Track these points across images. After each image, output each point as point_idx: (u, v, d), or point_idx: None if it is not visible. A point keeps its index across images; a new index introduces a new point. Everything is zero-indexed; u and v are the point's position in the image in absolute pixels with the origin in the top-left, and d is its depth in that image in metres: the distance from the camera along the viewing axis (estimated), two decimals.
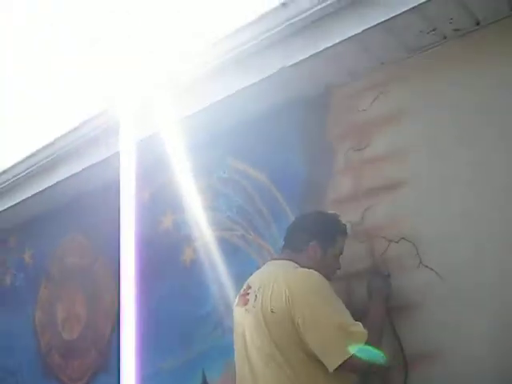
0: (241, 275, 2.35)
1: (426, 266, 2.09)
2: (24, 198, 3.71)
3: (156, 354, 3.09)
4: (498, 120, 2.03)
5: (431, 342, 2.05)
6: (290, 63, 2.34)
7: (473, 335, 1.95)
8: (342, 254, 2.13)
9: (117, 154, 3.04)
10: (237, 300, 2.12)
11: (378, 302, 2.03)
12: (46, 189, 3.51)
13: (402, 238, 2.17)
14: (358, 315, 1.85)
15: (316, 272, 1.89)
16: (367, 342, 1.76)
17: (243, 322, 1.99)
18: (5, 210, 3.98)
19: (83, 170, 3.26)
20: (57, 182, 3.43)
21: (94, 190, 3.58)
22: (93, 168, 3.21)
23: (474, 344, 1.94)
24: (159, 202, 3.24)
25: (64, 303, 3.86)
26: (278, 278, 1.89)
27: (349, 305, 1.88)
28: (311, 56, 2.28)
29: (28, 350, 4.06)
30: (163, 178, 3.18)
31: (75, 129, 3.11)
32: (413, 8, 1.96)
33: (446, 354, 2.01)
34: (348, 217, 2.27)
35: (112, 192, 3.45)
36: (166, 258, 3.12)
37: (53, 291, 3.98)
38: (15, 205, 3.82)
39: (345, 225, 2.15)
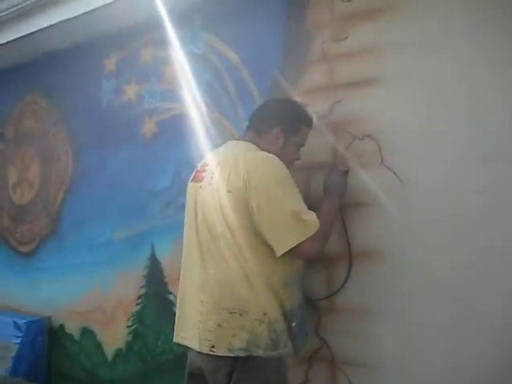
0: (200, 154, 2.32)
1: (387, 167, 2.10)
2: None
3: (108, 223, 3.11)
4: (476, 20, 1.96)
5: (380, 241, 2.10)
6: None
7: (424, 239, 2.00)
8: (303, 145, 2.10)
9: (90, 13, 2.84)
10: (192, 176, 2.09)
11: (332, 197, 2.03)
12: (13, 40, 3.28)
13: (367, 136, 2.15)
14: (314, 207, 1.85)
15: (277, 157, 1.86)
16: (317, 233, 1.77)
17: (196, 198, 1.97)
18: None
19: (52, 25, 3.03)
20: (24, 35, 3.20)
21: (62, 50, 3.39)
22: (63, 24, 3.00)
23: (424, 248, 2.00)
24: (125, 70, 3.10)
25: (17, 166, 3.78)
26: (237, 159, 1.85)
27: (306, 196, 1.87)
28: None
29: None
30: (132, 45, 3.04)
31: None
32: None
33: (393, 253, 2.07)
34: (316, 108, 2.23)
35: (79, 54, 3.30)
36: (127, 128, 3.05)
37: (6, 153, 3.88)
38: None
39: (311, 116, 2.11)
